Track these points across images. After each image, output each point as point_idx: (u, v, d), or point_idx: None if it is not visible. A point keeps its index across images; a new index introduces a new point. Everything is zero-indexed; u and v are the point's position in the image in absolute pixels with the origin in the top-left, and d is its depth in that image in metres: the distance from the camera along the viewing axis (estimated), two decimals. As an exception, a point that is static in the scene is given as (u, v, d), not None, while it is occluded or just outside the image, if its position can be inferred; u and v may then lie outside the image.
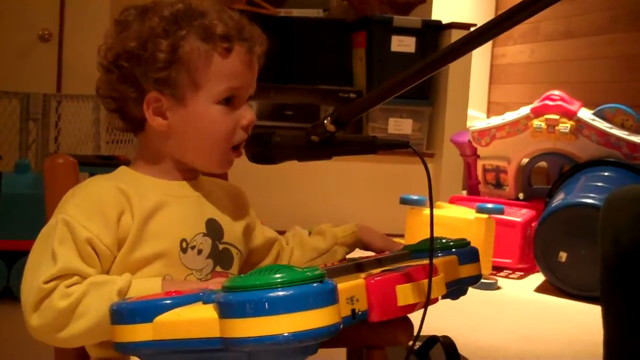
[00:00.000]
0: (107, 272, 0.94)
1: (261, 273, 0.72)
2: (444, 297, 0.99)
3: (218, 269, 1.02)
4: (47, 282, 0.88)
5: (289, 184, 3.66)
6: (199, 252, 1.00)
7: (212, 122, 1.01)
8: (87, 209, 0.94)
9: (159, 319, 0.76)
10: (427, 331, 1.02)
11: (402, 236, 2.96)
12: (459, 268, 1.05)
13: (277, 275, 0.70)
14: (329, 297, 0.72)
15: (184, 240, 0.99)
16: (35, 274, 0.89)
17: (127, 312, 0.78)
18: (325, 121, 1.00)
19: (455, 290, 1.05)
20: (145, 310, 0.77)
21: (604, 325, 1.51)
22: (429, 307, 0.91)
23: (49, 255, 0.90)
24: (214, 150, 1.03)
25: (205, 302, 0.76)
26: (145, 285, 0.89)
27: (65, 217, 0.93)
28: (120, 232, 0.95)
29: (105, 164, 2.37)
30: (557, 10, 4.66)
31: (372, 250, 1.19)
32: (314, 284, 0.71)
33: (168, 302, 0.77)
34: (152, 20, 0.99)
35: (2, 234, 2.36)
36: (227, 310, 0.71)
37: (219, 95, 1.00)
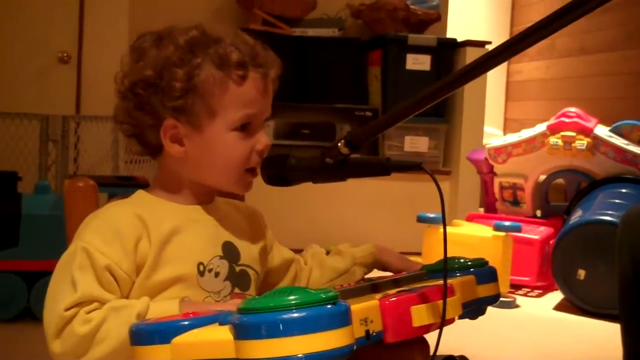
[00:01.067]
0: (127, 297, 0.96)
1: (275, 295, 0.73)
2: (461, 317, 1.00)
3: (237, 290, 1.03)
4: (67, 309, 0.90)
5: (305, 203, 3.67)
6: (216, 274, 1.01)
7: (229, 148, 1.02)
8: (106, 236, 0.95)
9: (177, 340, 0.77)
10: (444, 350, 1.02)
11: (419, 254, 2.96)
12: (477, 288, 1.05)
13: (291, 297, 0.71)
14: (342, 319, 0.72)
15: (200, 263, 1.00)
16: (56, 301, 0.91)
17: (146, 333, 0.79)
18: (339, 144, 1.01)
19: (473, 310, 1.05)
20: (164, 332, 0.78)
21: (624, 343, 1.50)
22: (446, 327, 0.92)
23: (69, 283, 0.92)
24: (230, 175, 1.04)
25: (221, 324, 0.77)
26: (163, 308, 0.90)
27: (84, 245, 0.94)
28: (138, 257, 0.96)
29: (124, 184, 2.39)
30: (572, 27, 4.63)
31: (390, 271, 1.19)
32: (328, 306, 0.72)
33: (186, 323, 0.78)
34: (168, 48, 1.00)
35: (22, 254, 2.39)
36: (241, 332, 0.72)
37: (235, 123, 1.02)
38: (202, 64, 1.00)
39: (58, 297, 0.91)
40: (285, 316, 0.70)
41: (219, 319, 0.78)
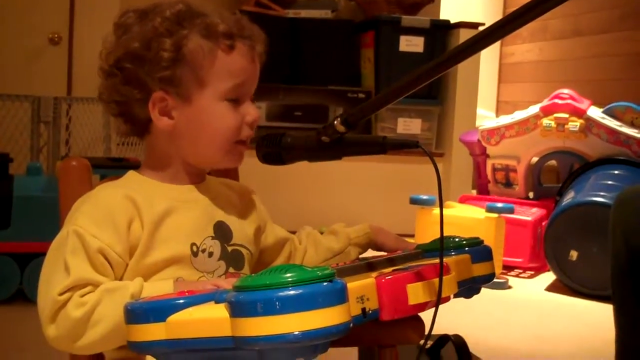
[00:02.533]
0: (121, 279, 0.95)
1: (271, 272, 0.72)
2: (456, 295, 0.99)
3: (231, 270, 1.03)
4: (61, 293, 0.89)
5: (298, 184, 3.67)
6: (210, 254, 1.01)
7: (219, 118, 1.01)
8: (97, 219, 0.95)
9: (172, 318, 0.77)
10: (438, 330, 1.02)
11: (412, 236, 2.96)
12: (472, 267, 1.05)
13: (287, 275, 0.71)
14: (339, 296, 0.72)
15: (193, 244, 0.99)
16: (50, 286, 0.91)
17: (141, 311, 0.79)
18: (336, 122, 1.01)
19: (469, 288, 1.05)
20: (159, 310, 0.77)
21: (616, 324, 1.51)
22: (440, 306, 0.92)
23: (62, 267, 0.91)
24: (222, 147, 1.03)
25: (217, 302, 0.76)
26: (158, 288, 0.90)
27: (76, 228, 0.93)
28: (131, 239, 0.96)
29: (116, 166, 2.38)
30: (565, 9, 4.64)
31: (385, 251, 1.19)
32: (324, 283, 0.72)
33: (181, 301, 0.78)
34: (155, 20, 0.99)
35: (14, 236, 2.39)
36: (237, 310, 0.72)
37: (225, 93, 1.01)
38: (189, 35, 0.99)
39: (51, 281, 0.91)
40: (281, 294, 0.70)
41: (214, 297, 0.78)
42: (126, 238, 0.95)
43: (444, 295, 0.91)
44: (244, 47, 1.02)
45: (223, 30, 1.00)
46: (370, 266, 0.97)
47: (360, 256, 1.19)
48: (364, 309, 0.81)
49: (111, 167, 2.33)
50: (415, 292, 0.88)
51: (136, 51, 0.99)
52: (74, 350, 0.90)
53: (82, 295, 0.89)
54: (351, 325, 0.73)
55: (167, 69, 0.98)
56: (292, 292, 0.70)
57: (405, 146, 1.01)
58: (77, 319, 0.88)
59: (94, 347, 0.90)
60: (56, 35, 3.39)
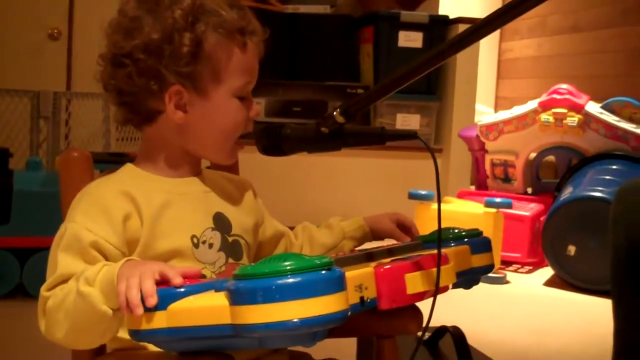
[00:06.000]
0: None
1: (270, 261, 0.73)
2: (456, 286, 1.00)
3: (230, 260, 1.04)
4: (48, 290, 0.90)
5: (297, 179, 3.67)
6: (210, 246, 1.02)
7: (231, 114, 1.03)
8: (92, 214, 0.95)
9: (173, 306, 0.78)
10: (436, 322, 1.03)
11: (410, 231, 2.96)
12: (471, 257, 1.06)
13: (286, 263, 0.72)
14: (337, 284, 0.73)
15: (194, 236, 1.00)
16: (44, 283, 0.92)
17: (142, 300, 0.79)
18: (335, 113, 1.02)
19: (468, 279, 1.06)
20: (160, 298, 0.78)
21: (615, 318, 1.51)
22: (439, 298, 0.92)
23: (54, 264, 0.92)
24: (227, 142, 1.05)
25: (217, 290, 0.77)
26: (110, 270, 0.86)
27: (72, 224, 0.95)
28: (128, 234, 0.96)
29: (116, 161, 2.39)
30: (564, 4, 4.65)
31: (385, 235, 1.20)
32: (322, 272, 0.73)
33: (182, 290, 0.79)
34: (174, 11, 0.99)
35: (14, 231, 2.39)
36: (237, 298, 0.72)
37: (239, 90, 1.03)
38: (207, 30, 1.00)
39: (46, 278, 0.92)
40: (280, 282, 0.70)
41: (214, 285, 0.79)
42: (122, 231, 0.95)
43: (442, 284, 0.92)
44: (252, 44, 1.04)
45: (238, 27, 1.01)
46: (369, 256, 0.98)
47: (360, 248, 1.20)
48: (362, 298, 0.82)
49: (113, 162, 2.34)
50: (414, 282, 0.89)
51: (155, 43, 0.98)
52: (60, 342, 0.90)
53: (63, 289, 0.89)
54: (349, 313, 0.74)
55: (188, 64, 0.99)
56: (290, 280, 0.71)
57: (404, 137, 1.02)
58: (49, 309, 0.89)
59: (74, 337, 0.89)
60: (55, 31, 3.40)
